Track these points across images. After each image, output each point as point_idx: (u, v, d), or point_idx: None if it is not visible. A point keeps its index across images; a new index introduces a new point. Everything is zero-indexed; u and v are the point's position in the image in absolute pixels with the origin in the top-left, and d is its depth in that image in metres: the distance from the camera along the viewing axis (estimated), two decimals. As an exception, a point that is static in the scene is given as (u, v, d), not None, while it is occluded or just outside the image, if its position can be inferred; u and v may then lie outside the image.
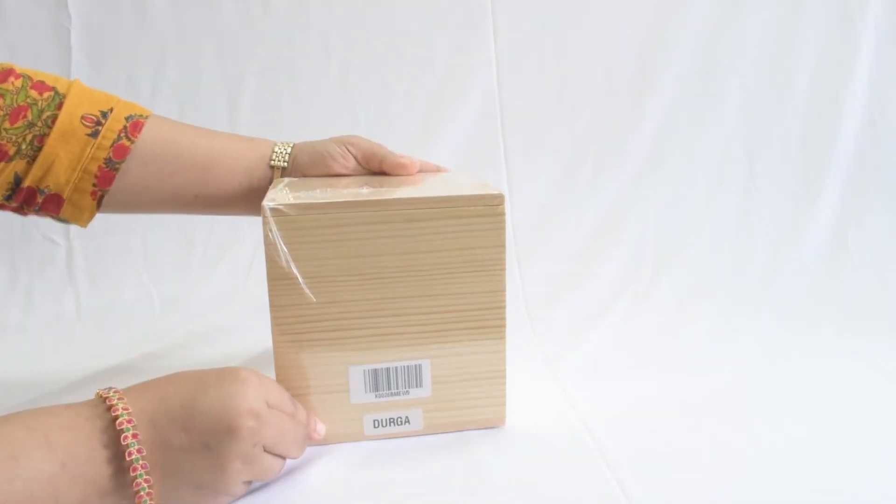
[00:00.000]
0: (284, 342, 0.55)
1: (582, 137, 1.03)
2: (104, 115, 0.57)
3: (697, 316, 0.86)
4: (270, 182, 0.63)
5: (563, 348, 0.79)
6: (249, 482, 0.49)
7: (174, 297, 0.93)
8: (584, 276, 0.94)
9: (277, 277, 0.53)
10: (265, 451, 0.48)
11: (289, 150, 0.64)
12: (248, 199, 0.64)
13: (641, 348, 0.79)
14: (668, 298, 0.90)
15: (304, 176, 0.64)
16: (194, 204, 0.63)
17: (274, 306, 0.54)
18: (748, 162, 1.00)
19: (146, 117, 0.59)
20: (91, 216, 0.59)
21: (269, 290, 0.53)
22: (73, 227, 0.97)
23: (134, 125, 0.58)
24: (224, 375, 0.47)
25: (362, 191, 0.56)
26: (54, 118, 0.55)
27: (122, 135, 0.57)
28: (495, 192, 0.54)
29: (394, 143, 1.00)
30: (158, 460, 0.44)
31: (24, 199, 0.57)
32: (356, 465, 0.57)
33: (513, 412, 0.63)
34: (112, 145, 0.57)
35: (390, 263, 0.54)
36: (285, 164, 0.64)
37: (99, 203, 0.58)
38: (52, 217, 0.60)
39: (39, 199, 0.57)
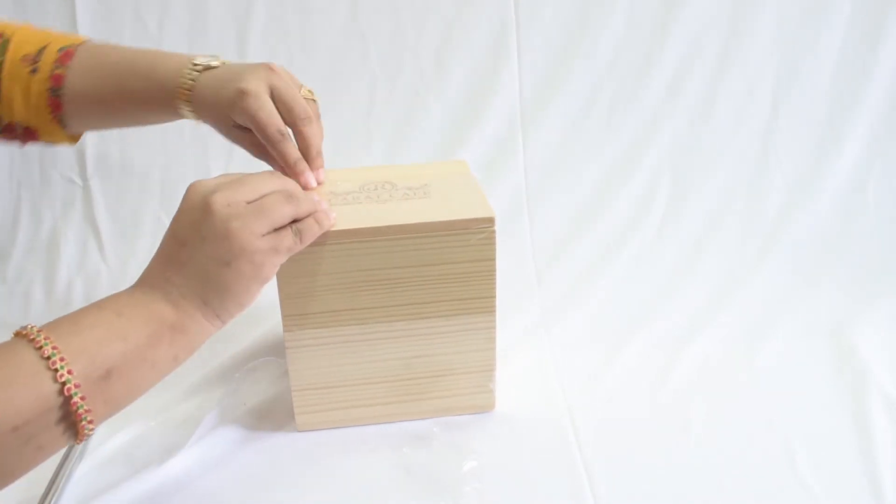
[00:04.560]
0: (295, 346, 0.61)
1: (600, 72, 0.99)
2: (40, 51, 0.64)
3: (703, 267, 0.87)
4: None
5: (565, 307, 0.81)
6: (277, 247, 0.51)
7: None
8: (593, 223, 0.93)
9: (288, 290, 0.58)
10: (255, 205, 0.50)
11: (191, 81, 0.63)
12: (172, 118, 0.67)
13: (643, 308, 0.80)
14: (675, 248, 0.90)
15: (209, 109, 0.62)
16: (141, 122, 0.69)
17: (285, 315, 0.59)
18: (773, 102, 0.96)
19: (77, 45, 0.66)
20: (63, 135, 0.67)
21: (281, 301, 0.59)
22: (90, 167, 1.00)
23: (65, 55, 0.65)
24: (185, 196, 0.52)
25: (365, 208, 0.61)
26: (2, 63, 0.64)
27: (56, 65, 0.64)
28: (488, 214, 0.58)
29: (406, 76, 0.99)
30: (190, 274, 0.49)
31: (10, 132, 0.66)
32: (333, 452, 0.62)
33: (505, 389, 0.66)
34: (50, 76, 0.64)
35: (390, 275, 0.59)
36: (192, 81, 0.63)
37: (62, 124, 0.66)
38: (44, 143, 0.68)
39: (19, 131, 0.66)
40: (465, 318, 0.61)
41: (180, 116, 0.65)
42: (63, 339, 0.43)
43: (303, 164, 0.61)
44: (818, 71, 0.95)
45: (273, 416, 0.66)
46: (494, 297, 0.61)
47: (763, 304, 0.80)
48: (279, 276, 0.58)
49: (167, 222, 0.93)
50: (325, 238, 0.57)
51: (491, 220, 0.58)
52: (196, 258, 0.49)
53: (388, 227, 0.57)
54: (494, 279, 0.60)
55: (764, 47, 0.96)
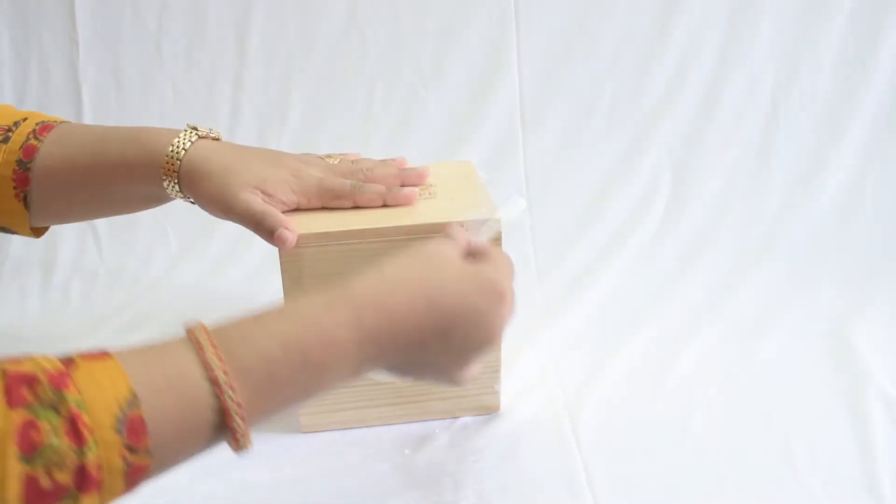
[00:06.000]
0: None
1: (600, 71, 0.99)
2: (17, 124, 0.59)
3: (703, 267, 0.86)
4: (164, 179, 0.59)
5: (566, 307, 0.81)
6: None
7: (188, 237, 0.95)
8: (593, 223, 0.93)
9: (294, 291, 0.58)
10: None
11: (183, 150, 0.58)
12: (153, 201, 0.63)
13: (644, 307, 0.80)
14: (675, 248, 0.89)
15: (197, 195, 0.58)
16: (117, 207, 0.65)
17: None
18: (772, 102, 0.96)
19: (58, 122, 0.61)
20: (24, 218, 0.61)
21: (286, 302, 0.57)
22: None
23: (43, 128, 0.60)
24: (484, 294, 0.45)
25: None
26: None
27: (31, 136, 0.59)
28: (494, 215, 0.58)
29: (405, 76, 0.99)
30: (409, 366, 0.45)
31: None
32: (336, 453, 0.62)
33: (505, 389, 0.66)
34: (21, 147, 0.59)
35: None
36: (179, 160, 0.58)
37: (26, 204, 0.60)
38: (3, 230, 0.63)
39: None
40: None
41: (165, 192, 0.59)
42: (245, 383, 0.38)
43: (395, 195, 0.60)
44: (818, 71, 0.95)
45: (277, 417, 0.65)
46: None
47: (763, 304, 0.79)
48: (284, 277, 0.58)
49: (165, 221, 0.95)
50: (332, 238, 0.56)
51: (498, 222, 0.58)
52: (426, 366, 0.45)
53: (396, 228, 0.57)
54: None
55: (763, 47, 0.96)
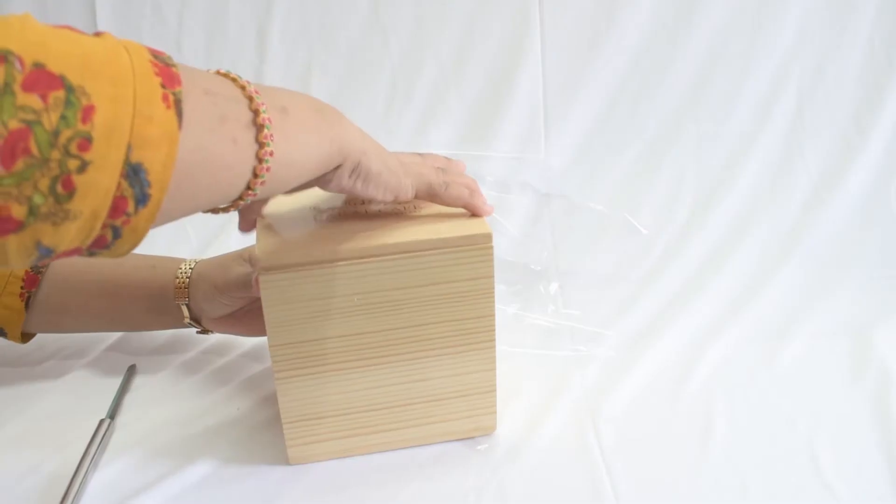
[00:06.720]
0: (284, 376, 0.57)
1: (623, 70, 0.97)
2: None
3: (726, 268, 0.85)
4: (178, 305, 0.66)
5: (587, 309, 0.80)
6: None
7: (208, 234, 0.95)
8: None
9: (276, 318, 0.55)
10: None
11: (189, 270, 0.66)
12: (163, 321, 0.66)
13: (666, 309, 0.79)
14: (698, 250, 0.88)
15: (210, 285, 0.65)
16: (117, 325, 0.68)
17: (273, 346, 0.56)
18: (797, 102, 0.95)
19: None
20: (20, 320, 0.61)
21: (269, 331, 0.55)
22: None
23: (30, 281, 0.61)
24: None
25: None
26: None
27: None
28: (484, 231, 0.55)
29: (427, 72, 0.98)
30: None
31: None
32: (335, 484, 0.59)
33: (528, 395, 0.66)
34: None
35: (383, 298, 0.55)
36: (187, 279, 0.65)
37: (27, 305, 0.60)
38: None
39: None
40: (463, 338, 0.58)
41: (179, 317, 0.65)
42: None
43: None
44: (843, 71, 0.94)
45: (262, 448, 0.62)
46: (493, 315, 0.57)
47: (786, 307, 0.79)
48: (265, 303, 0.54)
49: (185, 220, 0.95)
50: (312, 262, 0.53)
51: (488, 237, 0.54)
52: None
53: (379, 247, 0.53)
54: (493, 297, 0.57)
55: (788, 46, 0.94)
